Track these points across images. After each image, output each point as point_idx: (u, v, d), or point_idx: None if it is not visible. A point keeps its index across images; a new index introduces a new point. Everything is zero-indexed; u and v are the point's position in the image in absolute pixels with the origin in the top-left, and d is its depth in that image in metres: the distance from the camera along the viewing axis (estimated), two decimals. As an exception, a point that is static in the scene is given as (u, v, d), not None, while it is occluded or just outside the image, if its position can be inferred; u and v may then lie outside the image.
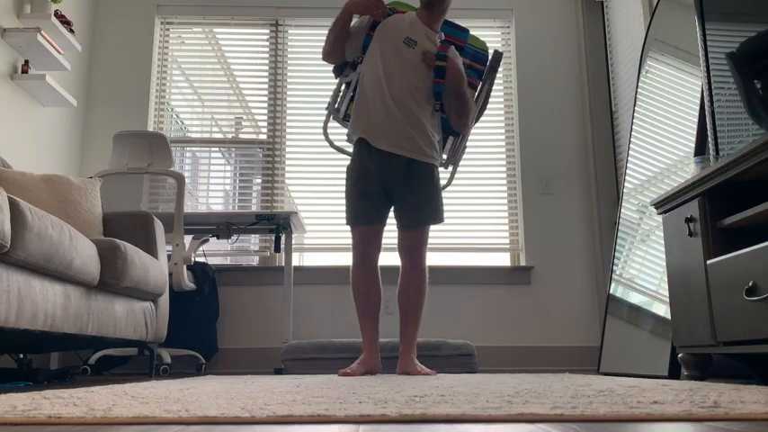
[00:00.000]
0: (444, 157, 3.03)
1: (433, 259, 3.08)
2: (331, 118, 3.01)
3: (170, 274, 3.22)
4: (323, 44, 2.95)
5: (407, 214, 2.79)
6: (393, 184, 2.77)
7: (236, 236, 3.76)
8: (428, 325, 3.44)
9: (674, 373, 2.51)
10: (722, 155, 2.38)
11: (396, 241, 2.84)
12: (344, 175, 2.87)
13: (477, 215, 4.16)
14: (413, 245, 2.79)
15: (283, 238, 3.65)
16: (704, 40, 2.49)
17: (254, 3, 4.34)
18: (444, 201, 2.87)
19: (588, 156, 4.19)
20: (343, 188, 2.87)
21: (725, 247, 2.13)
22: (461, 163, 3.15)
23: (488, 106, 4.34)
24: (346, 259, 2.97)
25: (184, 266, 3.31)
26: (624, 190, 3.40)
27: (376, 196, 2.77)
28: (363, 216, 2.78)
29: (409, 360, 2.72)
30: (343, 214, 2.85)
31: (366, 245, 2.78)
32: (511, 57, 4.39)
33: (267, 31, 4.38)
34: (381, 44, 2.84)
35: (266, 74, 4.33)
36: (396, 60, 2.79)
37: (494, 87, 4.41)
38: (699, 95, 2.75)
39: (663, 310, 2.73)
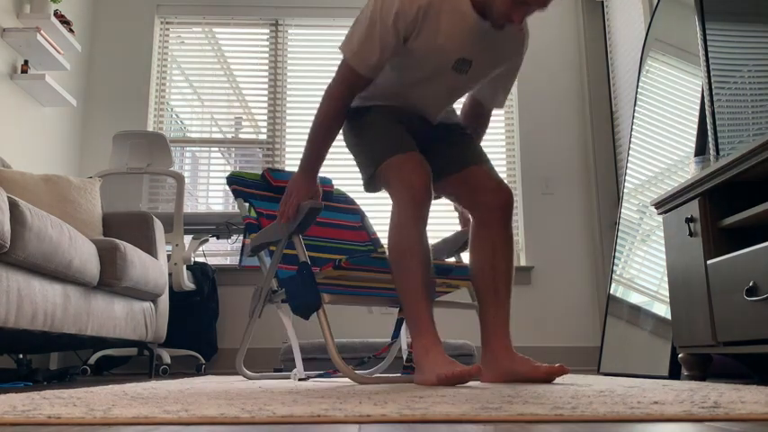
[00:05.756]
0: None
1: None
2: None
3: (170, 275, 3.22)
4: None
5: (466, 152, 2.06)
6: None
7: (235, 236, 3.76)
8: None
9: (674, 374, 2.51)
10: (722, 155, 2.38)
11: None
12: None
13: (477, 215, 4.16)
14: (497, 185, 1.98)
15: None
16: (704, 40, 2.49)
17: (253, 3, 4.34)
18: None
19: (588, 156, 4.19)
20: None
21: (725, 247, 2.13)
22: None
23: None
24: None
25: (184, 266, 3.31)
26: (624, 190, 3.39)
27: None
28: (404, 142, 1.92)
29: (516, 357, 1.88)
30: None
31: (417, 173, 1.83)
32: (511, 57, 4.39)
33: (267, 30, 4.38)
34: (412, 70, 1.95)
35: (266, 74, 4.33)
36: (427, 92, 2.00)
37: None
38: (699, 95, 2.75)
39: (663, 310, 2.73)
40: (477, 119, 2.20)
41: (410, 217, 1.80)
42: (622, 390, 1.44)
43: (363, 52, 1.86)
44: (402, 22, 1.81)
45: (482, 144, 2.20)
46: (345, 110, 1.97)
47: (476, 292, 2.01)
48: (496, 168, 2.08)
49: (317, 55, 4.34)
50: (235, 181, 2.51)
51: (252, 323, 2.38)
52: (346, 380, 2.19)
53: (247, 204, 2.49)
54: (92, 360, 3.18)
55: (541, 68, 4.30)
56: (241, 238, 4.03)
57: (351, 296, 2.31)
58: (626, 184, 3.39)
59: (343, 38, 1.92)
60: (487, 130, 2.29)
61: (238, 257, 2.61)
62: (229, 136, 4.42)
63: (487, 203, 1.96)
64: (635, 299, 3.04)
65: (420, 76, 1.95)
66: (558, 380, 1.98)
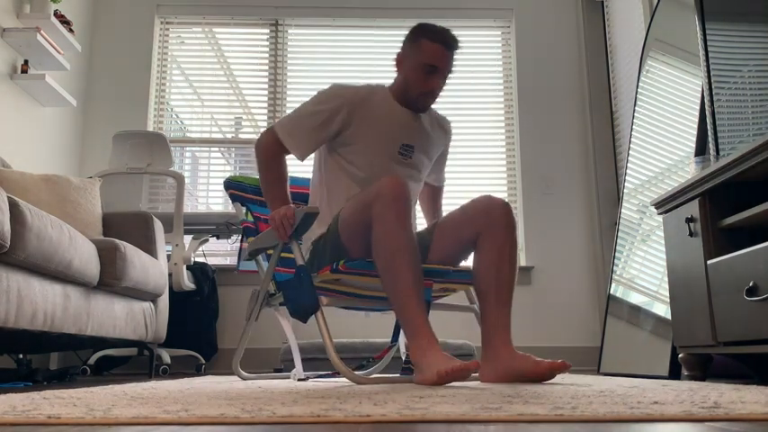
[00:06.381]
0: None
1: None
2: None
3: (170, 275, 3.22)
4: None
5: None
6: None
7: (235, 236, 3.76)
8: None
9: (674, 374, 2.51)
10: (722, 155, 2.38)
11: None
12: None
13: (477, 215, 4.16)
14: (487, 197, 2.04)
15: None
16: (704, 40, 2.49)
17: (253, 2, 4.34)
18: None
19: (588, 156, 4.19)
20: None
21: (725, 247, 2.13)
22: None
23: (489, 106, 4.36)
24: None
25: (184, 266, 3.30)
26: (624, 190, 3.39)
27: None
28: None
29: (517, 355, 1.85)
30: None
31: (390, 179, 1.83)
32: (511, 56, 4.39)
33: (267, 30, 4.38)
34: (362, 160, 2.14)
35: (266, 74, 4.33)
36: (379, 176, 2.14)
37: (494, 87, 4.45)
38: (699, 95, 2.75)
39: (663, 310, 2.73)
40: (433, 199, 2.48)
41: (393, 216, 1.77)
42: (622, 390, 1.44)
43: (296, 133, 2.12)
44: (346, 107, 2.09)
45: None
46: (277, 158, 2.16)
47: (477, 293, 1.99)
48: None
49: (317, 55, 4.34)
50: (232, 186, 2.51)
51: (249, 326, 2.39)
52: (345, 380, 2.19)
53: (244, 209, 2.49)
54: (92, 360, 3.18)
55: (541, 68, 4.30)
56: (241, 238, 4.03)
57: (348, 299, 2.32)
58: (626, 184, 3.39)
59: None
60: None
61: (236, 260, 2.62)
62: (229, 136, 4.42)
63: (486, 215, 2.00)
64: (635, 299, 3.04)
65: (373, 165, 2.13)
66: (558, 380, 1.98)
